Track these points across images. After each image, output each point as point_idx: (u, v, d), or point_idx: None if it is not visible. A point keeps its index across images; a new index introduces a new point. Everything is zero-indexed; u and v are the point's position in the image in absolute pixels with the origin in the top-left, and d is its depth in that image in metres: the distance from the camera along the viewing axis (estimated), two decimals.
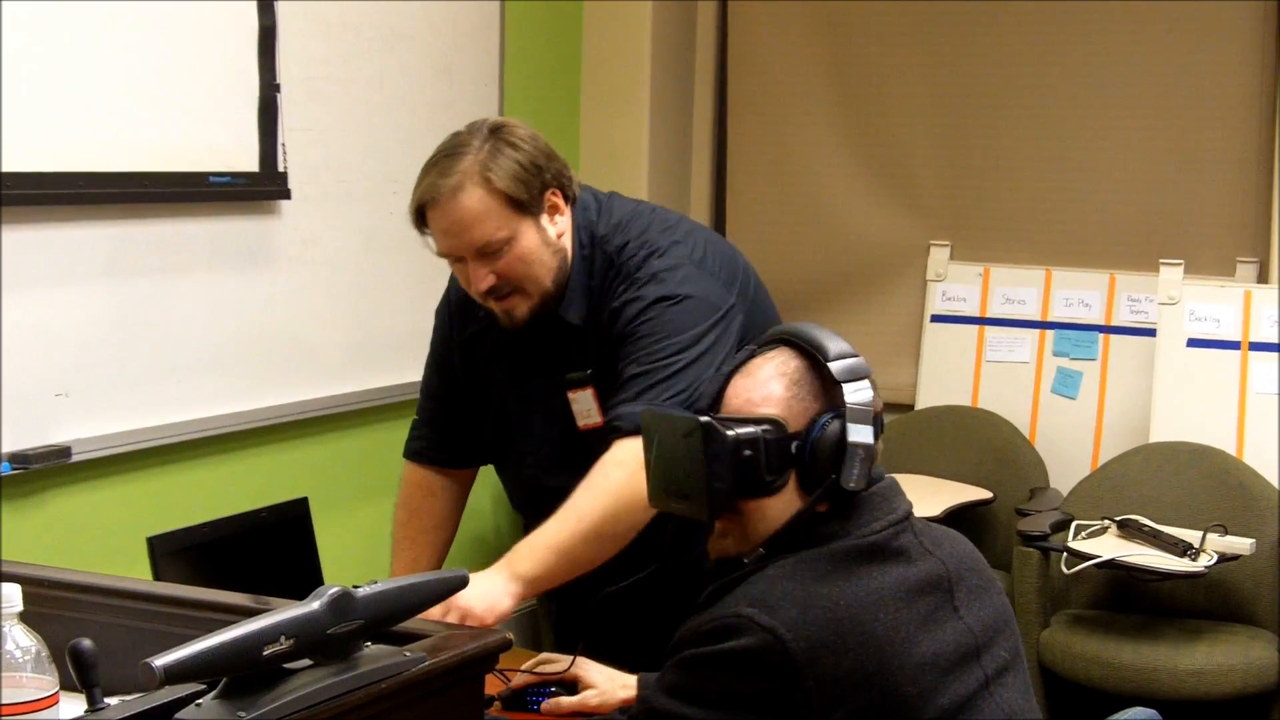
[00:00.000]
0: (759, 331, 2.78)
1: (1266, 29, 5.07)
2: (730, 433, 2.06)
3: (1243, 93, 5.13)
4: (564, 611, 3.11)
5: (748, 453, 2.05)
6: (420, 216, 2.71)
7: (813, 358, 2.11)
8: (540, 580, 2.58)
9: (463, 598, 2.43)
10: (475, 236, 2.65)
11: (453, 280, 2.96)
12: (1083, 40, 5.33)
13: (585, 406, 2.81)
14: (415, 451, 3.09)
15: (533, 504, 2.87)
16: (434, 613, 2.29)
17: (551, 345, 2.82)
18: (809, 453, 2.06)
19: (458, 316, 2.98)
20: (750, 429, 2.06)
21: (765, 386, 2.11)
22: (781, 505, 2.09)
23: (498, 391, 2.94)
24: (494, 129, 2.71)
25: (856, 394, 2.06)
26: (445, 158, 2.69)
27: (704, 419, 2.08)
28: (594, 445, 2.72)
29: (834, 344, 2.10)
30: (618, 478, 2.57)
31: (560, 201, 2.75)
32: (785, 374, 2.11)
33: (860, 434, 2.04)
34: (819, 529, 2.08)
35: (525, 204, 2.68)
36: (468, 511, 4.63)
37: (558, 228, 2.75)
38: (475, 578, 2.52)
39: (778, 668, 1.92)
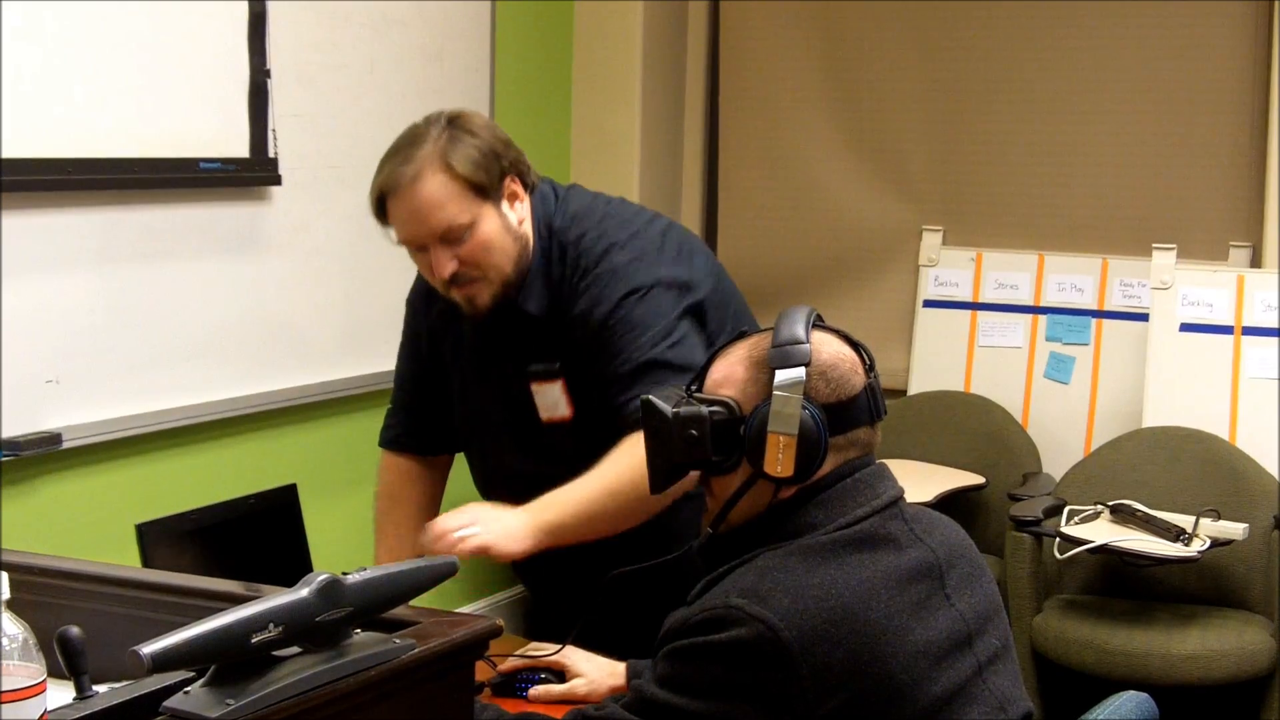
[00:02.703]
0: (731, 311, 2.83)
1: (1259, 12, 5.06)
2: (671, 411, 2.09)
3: (1235, 76, 5.12)
4: (549, 600, 3.11)
5: (693, 432, 2.08)
6: (380, 207, 2.73)
7: None
8: (559, 531, 2.60)
9: (486, 530, 2.49)
10: (437, 222, 2.67)
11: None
12: (1075, 24, 5.32)
13: (551, 399, 2.82)
14: (391, 439, 3.10)
15: (499, 490, 2.88)
16: (452, 540, 2.37)
17: (512, 336, 2.83)
18: (750, 437, 2.07)
19: (424, 301, 2.99)
20: (696, 408, 2.09)
21: (730, 368, 2.13)
22: (755, 490, 2.09)
23: (461, 379, 2.95)
24: (451, 119, 2.72)
25: (786, 381, 2.05)
26: (404, 147, 2.71)
27: (644, 396, 2.14)
28: (560, 435, 2.76)
29: (790, 329, 2.09)
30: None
31: (519, 189, 2.77)
32: (751, 357, 2.12)
33: (782, 422, 2.04)
34: (800, 518, 2.07)
35: (486, 189, 2.69)
36: (460, 499, 4.63)
37: (518, 214, 2.76)
38: (497, 513, 2.55)
39: (771, 658, 1.92)
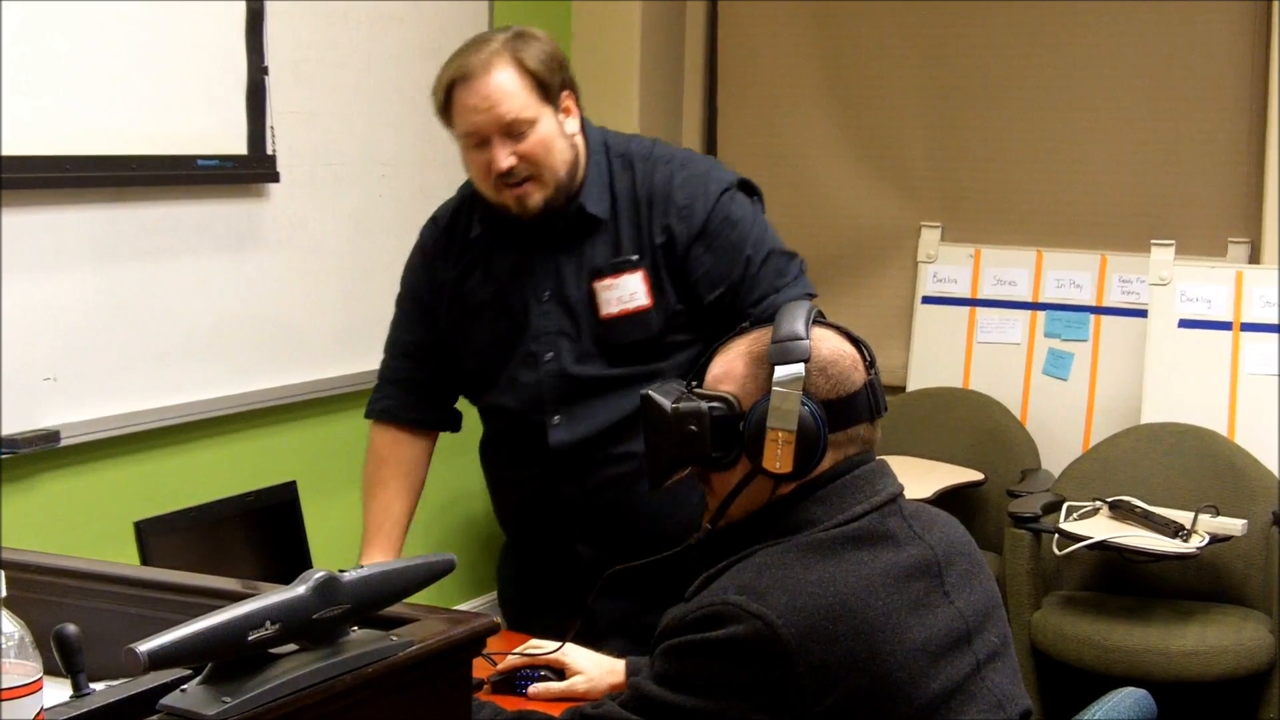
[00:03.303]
0: None
1: (1257, 8, 5.06)
2: (670, 406, 2.10)
3: (1233, 72, 5.12)
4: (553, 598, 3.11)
5: (693, 427, 2.09)
6: (446, 98, 2.79)
7: None
8: None
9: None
10: (505, 110, 2.75)
11: (426, 231, 3.07)
12: (1074, 21, 5.32)
13: (627, 291, 2.87)
14: (381, 410, 3.09)
15: (560, 398, 2.89)
16: None
17: (566, 240, 2.88)
18: (748, 433, 2.07)
19: (439, 258, 3.01)
20: (695, 404, 2.09)
21: (730, 364, 2.14)
22: (754, 486, 2.09)
23: (491, 314, 2.95)
24: (516, 31, 2.84)
25: (786, 377, 2.05)
26: (472, 44, 2.82)
27: (644, 391, 2.15)
28: (630, 326, 2.84)
29: (790, 325, 2.09)
30: None
31: (573, 105, 2.87)
32: (751, 353, 2.12)
33: (781, 418, 2.04)
34: (799, 514, 2.07)
35: (549, 91, 2.80)
36: (460, 493, 4.64)
37: (572, 127, 2.86)
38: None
39: (769, 655, 1.91)
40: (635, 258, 2.86)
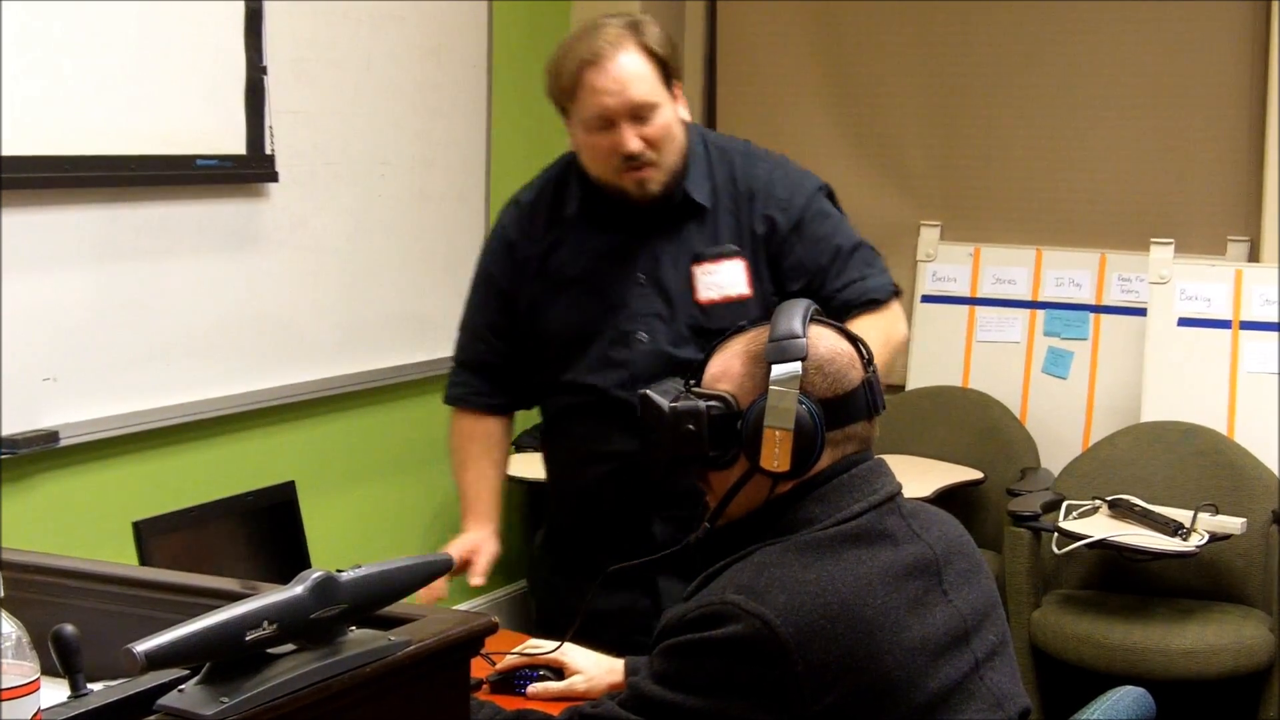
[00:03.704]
0: None
1: (1257, 8, 5.06)
2: (669, 405, 2.11)
3: (1232, 72, 5.12)
4: (555, 595, 3.10)
5: (690, 426, 2.09)
6: (572, 82, 2.83)
7: None
8: None
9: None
10: (636, 93, 2.81)
11: (506, 213, 3.10)
12: (1073, 21, 5.31)
13: (726, 279, 2.93)
14: (458, 396, 3.14)
15: (654, 377, 2.87)
16: None
17: (665, 225, 2.93)
18: (746, 431, 2.07)
19: (522, 237, 3.04)
20: (693, 403, 2.10)
21: (728, 363, 2.14)
22: (752, 484, 2.09)
23: (579, 291, 2.98)
24: (631, 20, 2.89)
25: (783, 375, 2.05)
26: (594, 29, 2.87)
27: (641, 390, 2.16)
28: (726, 312, 2.87)
29: (787, 323, 2.09)
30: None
31: (680, 94, 2.93)
32: (749, 351, 2.12)
33: (778, 417, 2.04)
34: (797, 513, 2.07)
35: (670, 79, 2.87)
36: (457, 496, 4.62)
37: (684, 114, 2.93)
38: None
39: (768, 654, 1.91)
40: (736, 247, 2.92)
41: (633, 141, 2.81)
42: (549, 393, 3.08)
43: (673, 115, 2.87)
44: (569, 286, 2.98)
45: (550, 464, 3.15)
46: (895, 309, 2.98)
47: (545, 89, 2.91)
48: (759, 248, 2.93)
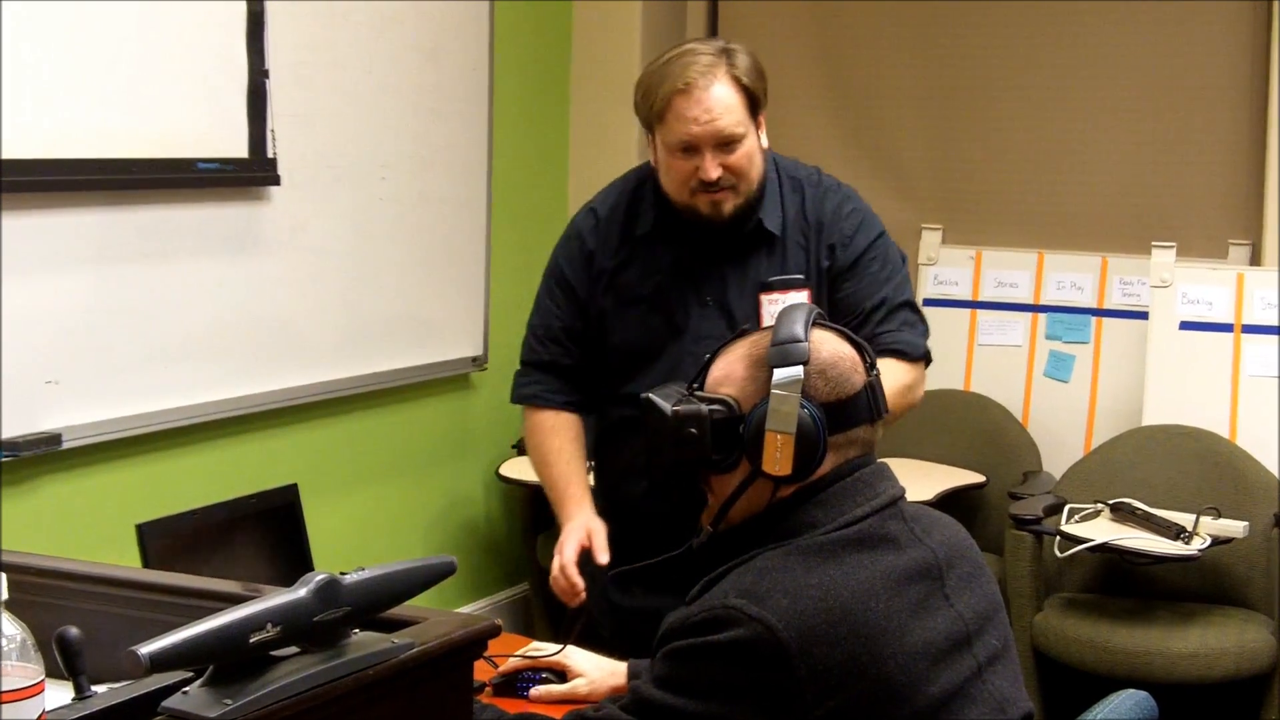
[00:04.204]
0: None
1: (1257, 10, 5.06)
2: (671, 409, 2.11)
3: (1234, 74, 5.12)
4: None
5: (693, 430, 2.09)
6: (663, 105, 2.86)
7: None
8: None
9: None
10: (725, 123, 2.85)
11: (583, 220, 3.11)
12: (1074, 23, 5.32)
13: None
14: (531, 396, 3.15)
15: None
16: None
17: (734, 251, 2.98)
18: (748, 435, 2.07)
19: (599, 248, 3.07)
20: (696, 407, 2.10)
21: (730, 366, 2.14)
22: (754, 488, 2.09)
23: (646, 308, 3.02)
24: (722, 48, 2.92)
25: (785, 379, 2.05)
26: (687, 54, 2.89)
27: (644, 394, 2.16)
28: None
29: (789, 327, 2.09)
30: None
31: (763, 121, 2.97)
32: (751, 355, 2.12)
33: (780, 421, 2.04)
34: (799, 517, 2.07)
35: (755, 109, 2.91)
36: (461, 497, 4.64)
37: (765, 142, 2.98)
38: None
39: (770, 658, 1.91)
40: (802, 277, 2.97)
41: (714, 169, 2.86)
42: (607, 404, 3.10)
43: (755, 144, 2.92)
44: (637, 303, 3.03)
45: (601, 475, 3.17)
46: (919, 371, 3.07)
47: (634, 106, 2.95)
48: (823, 280, 2.98)
